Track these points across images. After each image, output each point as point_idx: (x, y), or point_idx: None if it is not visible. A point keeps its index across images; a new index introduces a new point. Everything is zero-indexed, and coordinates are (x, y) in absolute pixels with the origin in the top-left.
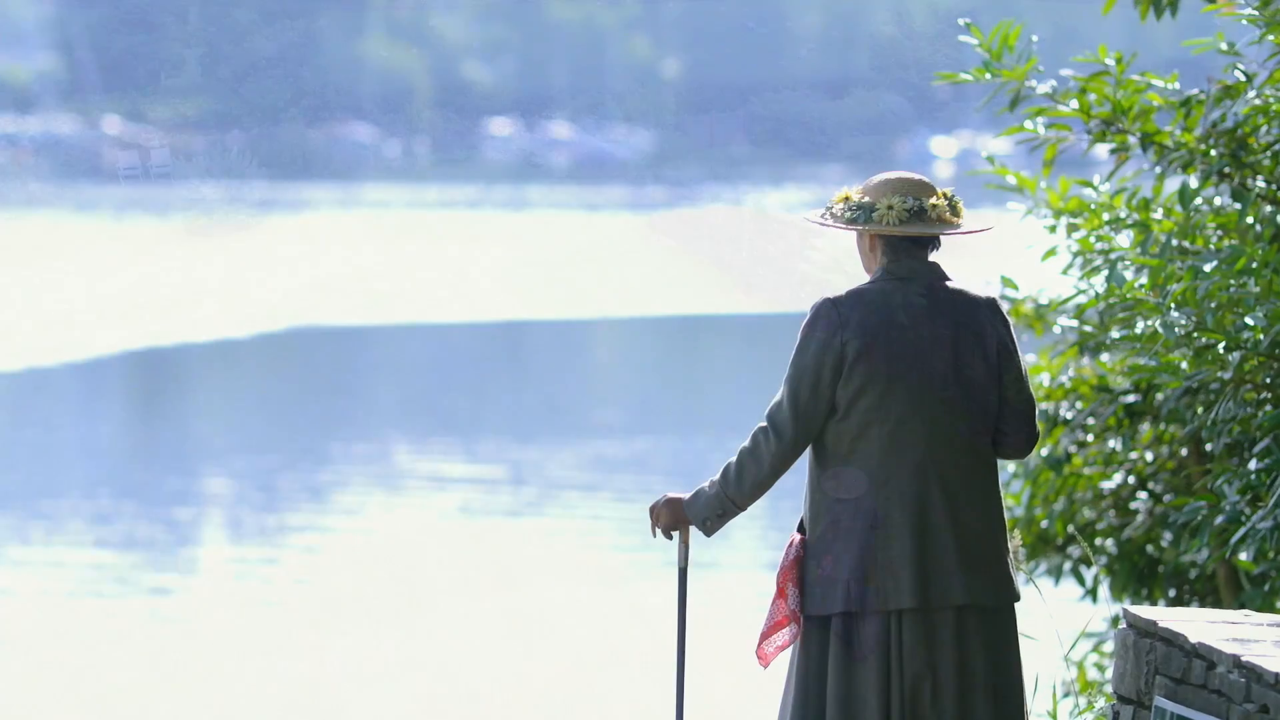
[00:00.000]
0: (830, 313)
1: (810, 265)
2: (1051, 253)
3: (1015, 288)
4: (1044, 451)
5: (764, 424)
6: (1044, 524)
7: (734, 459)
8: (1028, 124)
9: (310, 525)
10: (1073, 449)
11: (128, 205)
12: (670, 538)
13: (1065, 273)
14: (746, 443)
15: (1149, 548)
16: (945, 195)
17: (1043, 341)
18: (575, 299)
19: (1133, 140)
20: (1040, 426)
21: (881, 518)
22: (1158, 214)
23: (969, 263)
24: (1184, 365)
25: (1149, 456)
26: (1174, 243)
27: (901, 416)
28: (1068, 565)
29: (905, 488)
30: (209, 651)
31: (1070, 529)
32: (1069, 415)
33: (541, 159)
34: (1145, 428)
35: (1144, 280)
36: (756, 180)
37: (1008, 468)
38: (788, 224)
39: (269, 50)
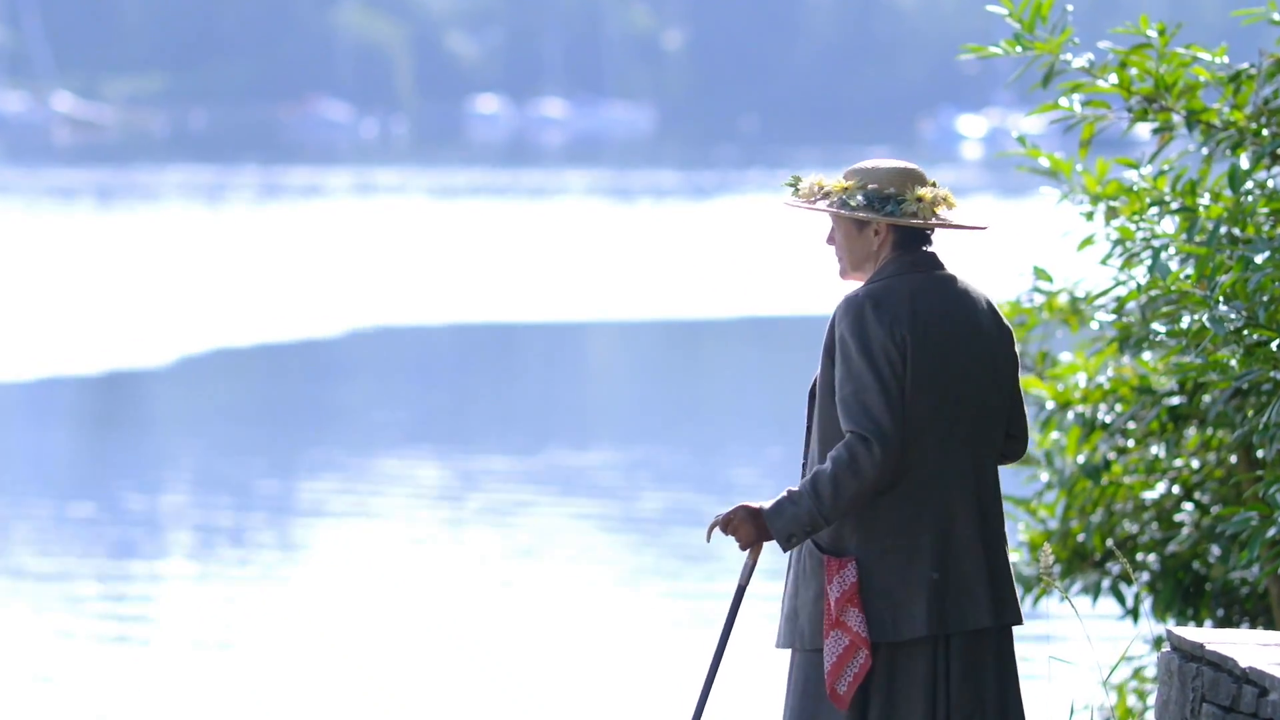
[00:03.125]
0: (875, 310)
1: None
2: (1089, 241)
3: (1049, 279)
4: (1080, 459)
5: (855, 431)
6: (1080, 537)
7: (825, 473)
8: (1062, 101)
9: (288, 539)
10: (1112, 456)
11: (78, 191)
12: (745, 549)
13: (1104, 263)
14: (841, 454)
15: (1195, 563)
16: (935, 184)
17: (1079, 338)
18: (570, 299)
19: (1177, 119)
20: (1076, 431)
21: (946, 531)
22: (1205, 199)
23: (1000, 252)
24: (1233, 364)
25: (1195, 464)
26: (1223, 230)
27: (954, 420)
28: (1106, 582)
29: (964, 497)
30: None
31: (1109, 543)
32: (1108, 419)
33: (532, 139)
34: (1191, 432)
35: (1190, 271)
36: (764, 164)
37: (1040, 476)
38: (799, 213)
39: (234, 20)
